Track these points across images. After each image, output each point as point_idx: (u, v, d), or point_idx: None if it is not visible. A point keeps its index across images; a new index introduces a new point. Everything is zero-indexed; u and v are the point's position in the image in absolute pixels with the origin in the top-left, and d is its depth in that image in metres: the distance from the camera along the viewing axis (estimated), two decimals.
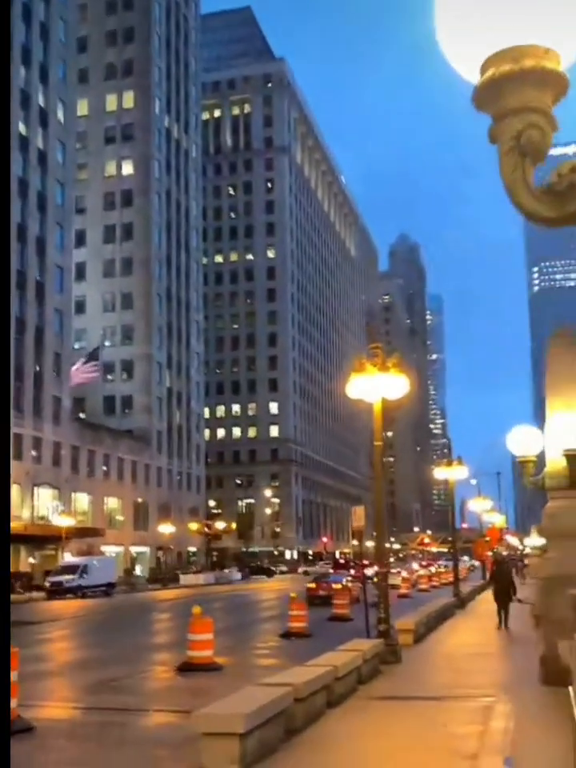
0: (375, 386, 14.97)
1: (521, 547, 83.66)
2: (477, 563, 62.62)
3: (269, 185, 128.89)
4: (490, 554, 44.24)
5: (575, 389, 10.71)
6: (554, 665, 10.17)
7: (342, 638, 14.79)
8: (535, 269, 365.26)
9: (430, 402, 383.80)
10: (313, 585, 36.41)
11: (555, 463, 10.57)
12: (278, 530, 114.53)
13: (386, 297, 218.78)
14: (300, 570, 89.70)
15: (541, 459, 11.04)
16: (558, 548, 10.51)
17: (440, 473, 31.54)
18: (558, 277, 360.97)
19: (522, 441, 10.91)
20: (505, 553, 56.69)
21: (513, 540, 79.34)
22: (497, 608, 22.02)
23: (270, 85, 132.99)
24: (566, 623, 10.79)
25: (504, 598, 21.98)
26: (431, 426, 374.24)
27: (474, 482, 54.11)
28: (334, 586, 33.36)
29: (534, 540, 71.64)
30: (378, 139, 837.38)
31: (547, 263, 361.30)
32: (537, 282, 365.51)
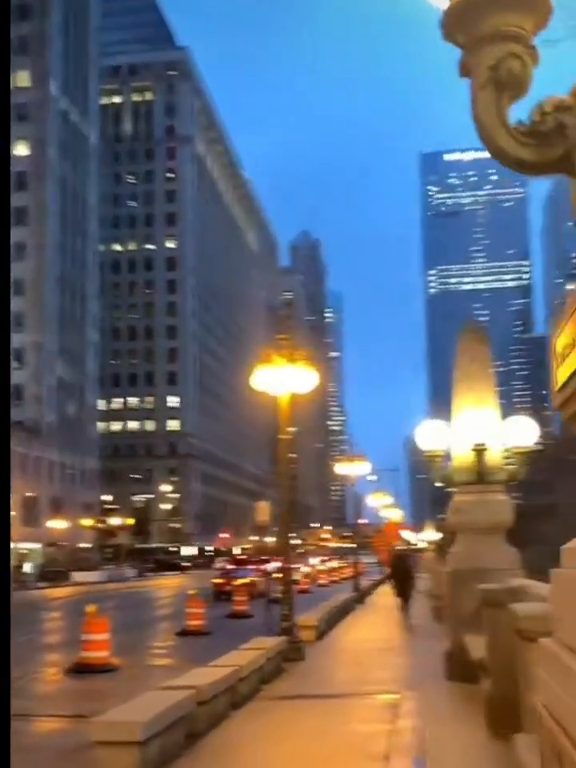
0: (282, 378, 14.64)
1: (416, 542, 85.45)
2: (376, 558, 63.59)
3: (170, 174, 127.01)
4: (389, 548, 44.85)
5: (484, 383, 10.69)
6: (459, 660, 10.12)
7: (242, 635, 14.48)
8: (432, 271, 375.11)
9: (330, 399, 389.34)
10: (220, 580, 35.87)
11: (463, 458, 10.52)
12: (175, 526, 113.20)
13: (288, 293, 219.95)
14: (217, 565, 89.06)
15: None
16: (464, 542, 10.47)
17: (341, 468, 31.62)
18: (452, 281, 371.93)
19: (430, 435, 10.81)
20: (401, 547, 57.71)
21: (408, 535, 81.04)
22: (400, 601, 23.52)
23: (172, 73, 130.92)
24: (472, 618, 10.79)
25: (406, 590, 23.51)
26: (330, 422, 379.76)
27: (372, 477, 54.78)
28: (239, 580, 32.79)
29: (430, 535, 73.44)
30: (284, 136, 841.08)
31: (443, 267, 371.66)
32: (433, 284, 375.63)
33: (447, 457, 10.88)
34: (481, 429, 10.25)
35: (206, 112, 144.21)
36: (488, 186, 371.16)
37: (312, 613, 19.09)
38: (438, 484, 10.84)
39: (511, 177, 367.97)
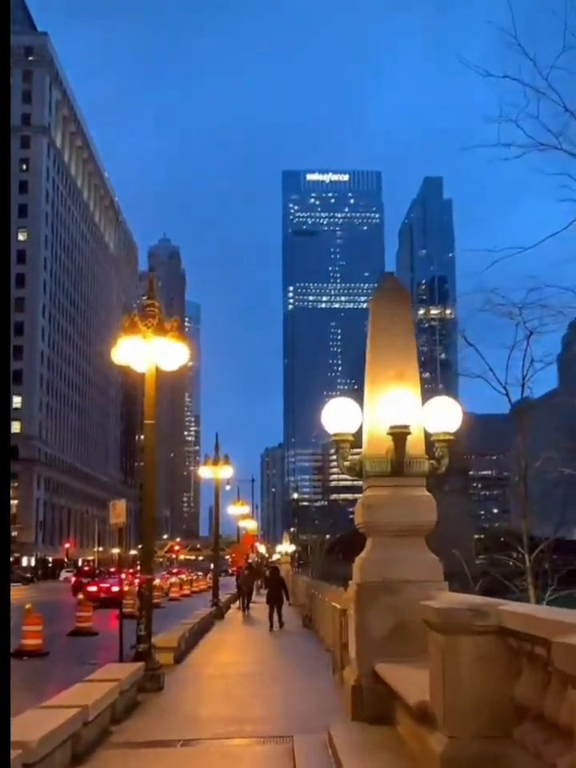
0: (149, 350, 12.26)
1: (267, 555, 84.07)
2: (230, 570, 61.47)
3: (23, 165, 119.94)
4: (244, 561, 42.70)
5: (404, 354, 8.81)
6: (371, 695, 8.10)
7: (84, 657, 11.88)
8: (291, 288, 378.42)
9: (185, 408, 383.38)
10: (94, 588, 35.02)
11: (376, 443, 8.59)
12: (14, 534, 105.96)
13: (144, 298, 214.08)
14: (62, 576, 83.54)
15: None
16: (376, 548, 8.49)
17: (205, 472, 29.21)
18: (311, 298, 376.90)
19: (338, 415, 8.77)
20: (254, 560, 56.05)
21: (262, 548, 79.45)
22: (268, 612, 24.39)
23: (31, 58, 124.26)
24: (386, 642, 8.80)
25: (276, 602, 24.38)
26: (185, 432, 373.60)
27: (228, 487, 52.62)
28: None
29: (285, 547, 72.32)
30: (155, 143, 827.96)
31: (301, 284, 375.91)
32: (292, 300, 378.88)
33: (358, 442, 8.92)
34: (400, 409, 8.36)
35: (67, 103, 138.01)
36: (346, 209, 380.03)
37: (170, 632, 16.59)
38: (345, 474, 8.77)
39: (368, 201, 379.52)
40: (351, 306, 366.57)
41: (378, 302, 9.06)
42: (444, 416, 8.78)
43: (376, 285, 9.12)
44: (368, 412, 8.84)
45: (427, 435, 8.89)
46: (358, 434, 9.00)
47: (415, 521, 8.41)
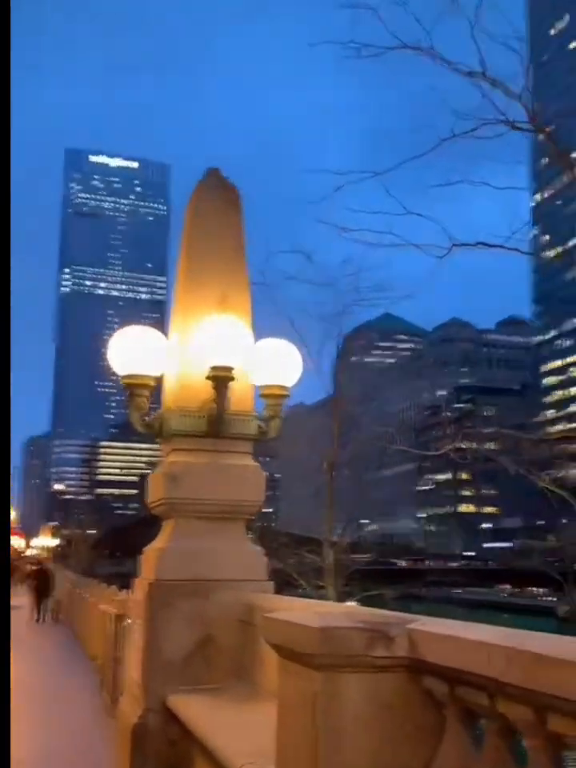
0: None
1: (24, 549, 78.23)
2: None
3: None
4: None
5: (233, 270, 6.55)
6: (158, 741, 5.75)
7: None
8: (67, 270, 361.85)
9: None
10: None
11: (187, 392, 6.29)
12: None
13: None
14: None
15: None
16: (182, 534, 6.12)
17: None
18: (87, 283, 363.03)
19: (133, 348, 6.30)
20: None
21: (19, 542, 73.61)
22: (36, 604, 27.01)
23: None
24: (186, 664, 6.43)
25: (42, 595, 26.94)
26: None
27: None
28: None
29: (45, 540, 67.29)
30: None
31: (79, 267, 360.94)
32: (67, 283, 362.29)
33: (160, 389, 6.55)
34: (224, 345, 6.11)
35: None
36: (132, 196, 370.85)
37: None
38: (140, 430, 6.32)
39: (154, 192, 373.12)
40: (131, 295, 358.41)
41: (199, 202, 6.69)
42: (280, 363, 6.62)
43: (198, 183, 6.75)
44: (176, 351, 6.49)
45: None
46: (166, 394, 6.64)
47: (238, 499, 6.17)
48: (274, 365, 6.57)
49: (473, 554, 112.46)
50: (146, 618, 6.04)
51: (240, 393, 6.31)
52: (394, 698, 3.18)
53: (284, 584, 16.81)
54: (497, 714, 2.75)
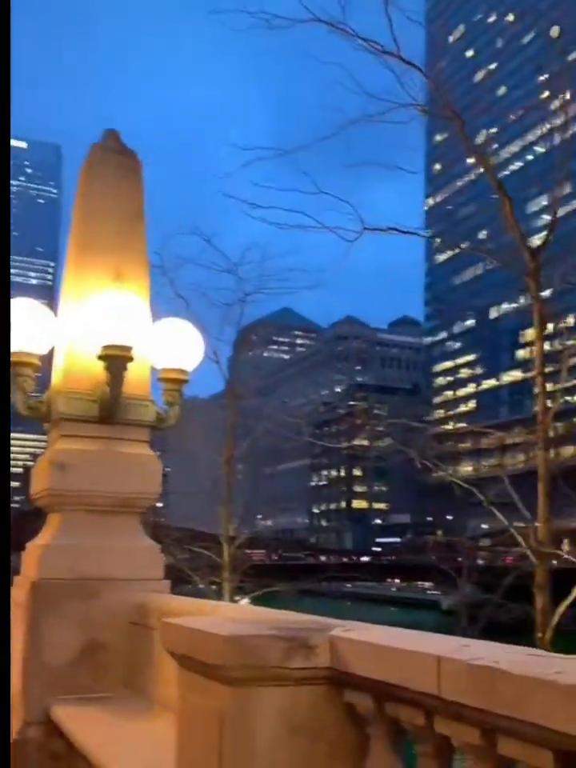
0: None
1: None
2: None
3: None
4: None
5: (127, 239, 6.00)
6: (40, 757, 5.17)
7: None
8: None
9: None
10: None
11: (77, 374, 5.71)
12: None
13: None
14: None
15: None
16: (69, 529, 5.50)
17: None
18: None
19: (19, 323, 5.66)
20: None
21: None
22: None
23: None
24: (71, 670, 5.79)
25: None
26: None
27: None
28: None
29: None
30: None
31: None
32: None
33: (48, 367, 5.93)
34: (120, 323, 5.55)
35: None
36: (22, 178, 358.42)
37: None
38: (24, 414, 5.69)
39: (46, 174, 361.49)
40: (20, 280, 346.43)
41: (95, 163, 6.06)
42: (180, 345, 6.12)
43: (93, 145, 6.15)
44: (66, 327, 5.90)
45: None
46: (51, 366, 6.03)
47: (133, 491, 5.64)
48: (173, 347, 6.07)
49: (378, 549, 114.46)
50: (27, 620, 5.44)
51: (136, 376, 5.79)
52: (313, 715, 2.79)
53: (177, 580, 16.27)
54: (435, 735, 2.39)
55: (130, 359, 5.54)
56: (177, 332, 6.12)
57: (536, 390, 10.29)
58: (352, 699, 2.76)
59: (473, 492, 11.12)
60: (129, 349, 5.50)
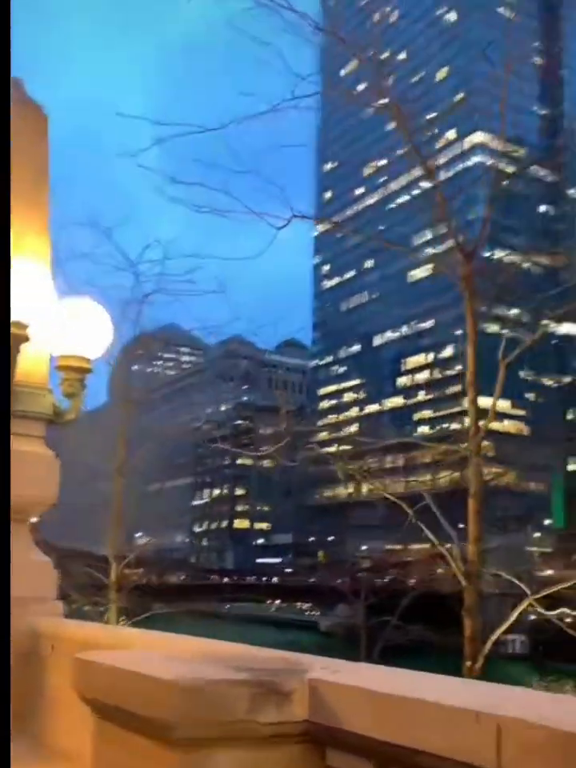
0: None
1: None
2: None
3: None
4: None
5: (28, 200, 5.11)
6: None
7: None
8: None
9: None
10: None
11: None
12: None
13: None
14: None
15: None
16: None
17: None
18: None
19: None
20: None
21: None
22: None
23: None
24: None
25: None
26: None
27: None
28: None
29: None
30: None
31: None
32: None
33: None
34: (16, 297, 4.67)
35: None
36: None
37: None
38: None
39: None
40: None
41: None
42: (85, 328, 5.30)
43: None
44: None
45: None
46: None
47: (27, 495, 4.78)
48: (77, 330, 5.24)
49: (281, 569, 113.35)
50: None
51: (32, 360, 4.93)
52: None
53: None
54: None
55: (26, 339, 4.69)
56: (81, 314, 5.30)
57: (466, 404, 9.93)
58: (339, 764, 2.08)
59: (401, 507, 10.64)
60: (25, 327, 4.65)
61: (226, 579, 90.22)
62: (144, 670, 2.08)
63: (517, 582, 10.95)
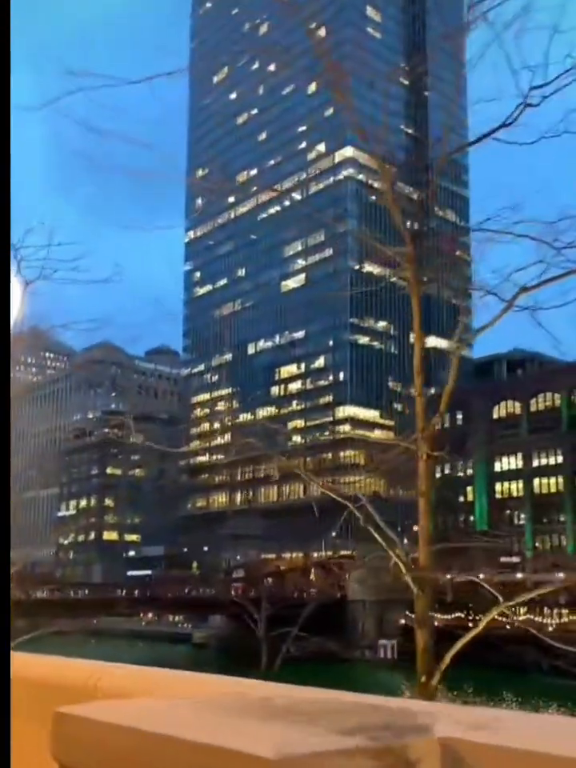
0: None
1: None
2: None
3: None
4: None
5: None
6: None
7: None
8: None
9: None
10: None
11: None
12: None
13: None
14: None
15: None
16: None
17: None
18: None
19: None
20: None
21: None
22: None
23: None
24: None
25: None
26: None
27: None
28: None
29: None
30: None
31: None
32: None
33: None
34: None
35: None
36: None
37: None
38: None
39: None
40: None
41: None
42: None
43: None
44: None
45: None
46: None
47: None
48: None
49: (152, 581, 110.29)
50: None
51: None
52: None
53: None
54: None
55: None
56: None
57: (416, 406, 9.66)
58: None
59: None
60: None
61: (87, 593, 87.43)
62: (211, 739, 1.40)
63: (487, 587, 10.68)
